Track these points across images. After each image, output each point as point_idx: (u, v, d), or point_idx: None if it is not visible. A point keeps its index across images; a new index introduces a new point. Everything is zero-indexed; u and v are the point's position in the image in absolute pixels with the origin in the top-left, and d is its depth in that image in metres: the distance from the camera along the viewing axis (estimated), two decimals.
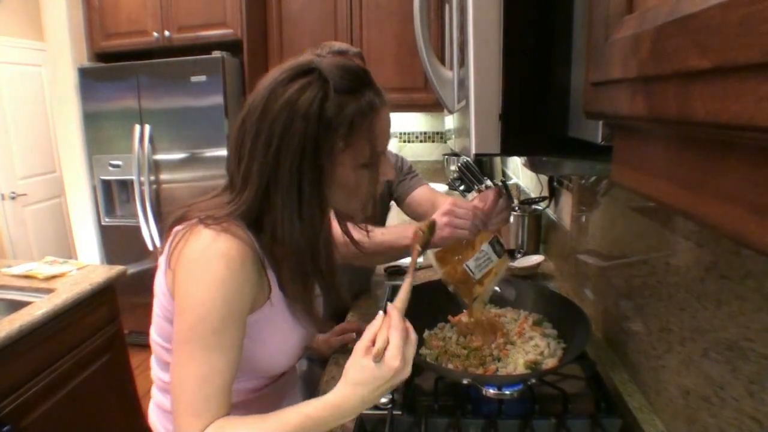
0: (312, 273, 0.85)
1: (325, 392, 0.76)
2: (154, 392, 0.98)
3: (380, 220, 1.68)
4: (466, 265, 1.14)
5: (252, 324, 0.82)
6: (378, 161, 0.84)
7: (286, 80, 0.77)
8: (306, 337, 0.96)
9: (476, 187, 2.14)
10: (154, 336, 0.90)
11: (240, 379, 0.85)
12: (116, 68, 3.24)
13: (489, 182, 2.09)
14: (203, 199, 0.86)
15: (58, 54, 3.31)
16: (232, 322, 0.76)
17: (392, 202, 1.72)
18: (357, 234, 1.05)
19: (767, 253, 0.25)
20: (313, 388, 1.22)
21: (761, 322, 0.70)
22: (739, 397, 0.74)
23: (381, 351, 0.71)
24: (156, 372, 0.95)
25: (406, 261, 1.65)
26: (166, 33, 3.24)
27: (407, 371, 0.73)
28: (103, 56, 3.44)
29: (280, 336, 0.89)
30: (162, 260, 0.84)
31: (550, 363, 1.08)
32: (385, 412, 1.01)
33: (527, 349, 1.13)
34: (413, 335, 0.76)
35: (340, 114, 0.76)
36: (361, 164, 0.81)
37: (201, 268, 0.75)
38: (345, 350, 1.28)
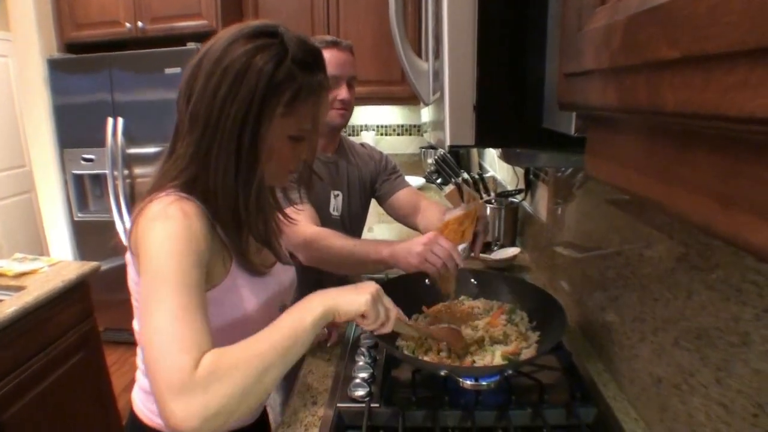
0: (246, 225, 0.87)
1: (303, 383, 0.75)
2: (138, 376, 0.99)
3: (361, 217, 1.67)
4: None
5: (219, 295, 0.85)
6: (306, 139, 0.88)
7: (250, 35, 0.80)
8: (277, 294, 0.98)
9: (453, 180, 2.15)
10: (136, 326, 0.93)
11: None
12: (87, 60, 3.16)
13: (465, 175, 2.10)
14: (153, 175, 0.89)
15: (26, 44, 3.21)
16: (190, 263, 0.75)
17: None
18: (296, 217, 1.13)
19: (732, 243, 0.26)
20: (291, 380, 1.21)
21: (729, 311, 0.71)
22: (708, 384, 0.76)
23: None
24: (141, 360, 0.96)
25: None
26: (139, 24, 3.16)
27: (372, 294, 0.80)
28: (73, 47, 3.35)
29: (249, 299, 0.90)
30: (128, 255, 0.86)
31: (526, 354, 1.09)
32: (363, 405, 1.01)
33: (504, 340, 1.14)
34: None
35: (288, 81, 0.80)
36: (291, 135, 0.85)
37: (154, 228, 0.77)
38: (321, 347, 1.28)
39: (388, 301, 0.84)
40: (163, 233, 0.76)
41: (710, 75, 0.23)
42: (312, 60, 0.84)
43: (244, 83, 0.77)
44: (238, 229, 0.87)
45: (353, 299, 0.78)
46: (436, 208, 1.56)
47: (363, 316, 0.80)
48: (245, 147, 0.80)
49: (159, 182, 0.84)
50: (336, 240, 1.25)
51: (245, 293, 0.89)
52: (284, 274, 1.02)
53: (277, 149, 0.84)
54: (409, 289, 1.24)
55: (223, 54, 0.79)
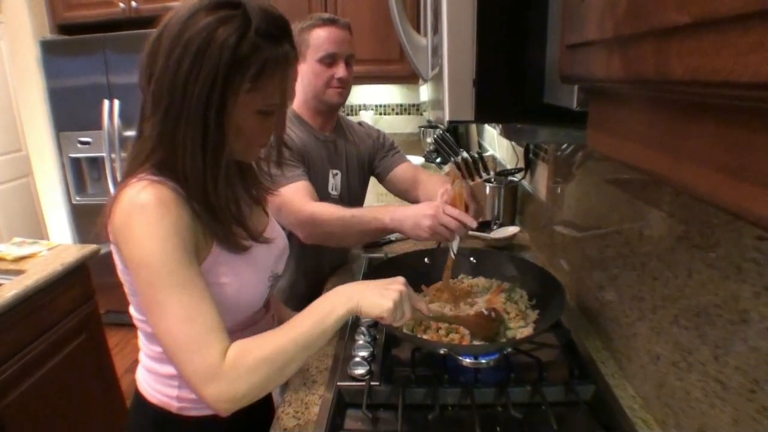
0: (216, 206, 0.85)
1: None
2: (142, 357, 0.99)
3: (360, 196, 1.66)
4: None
5: (205, 272, 0.83)
6: (275, 114, 0.85)
7: (210, 6, 0.76)
8: (265, 265, 0.97)
9: (452, 159, 2.14)
10: (133, 312, 0.93)
11: None
12: (81, 41, 3.11)
13: (465, 154, 2.09)
14: (125, 159, 0.88)
15: (17, 26, 3.16)
16: (183, 257, 0.76)
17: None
18: (292, 195, 1.14)
19: (739, 215, 0.25)
20: None
21: (728, 289, 0.71)
22: (705, 361, 0.76)
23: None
24: (143, 343, 0.97)
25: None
26: (133, 3, 3.11)
27: (395, 301, 0.81)
28: (66, 28, 3.29)
29: (236, 275, 0.89)
30: (113, 245, 0.85)
31: (525, 332, 1.09)
32: (363, 383, 1.02)
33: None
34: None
35: (253, 55, 0.76)
36: (259, 110, 0.81)
37: (134, 220, 0.76)
38: None
39: (408, 304, 0.84)
40: (146, 228, 0.75)
41: (722, 39, 0.22)
42: (277, 31, 0.78)
43: (206, 59, 0.73)
44: (212, 207, 0.85)
45: (377, 304, 0.80)
46: (437, 179, 1.55)
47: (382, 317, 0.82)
48: (211, 127, 0.77)
49: (131, 167, 0.82)
50: (334, 213, 1.25)
51: (228, 269, 0.88)
52: (274, 243, 1.01)
53: (245, 126, 0.81)
54: (408, 268, 1.24)
55: (183, 28, 0.74)
